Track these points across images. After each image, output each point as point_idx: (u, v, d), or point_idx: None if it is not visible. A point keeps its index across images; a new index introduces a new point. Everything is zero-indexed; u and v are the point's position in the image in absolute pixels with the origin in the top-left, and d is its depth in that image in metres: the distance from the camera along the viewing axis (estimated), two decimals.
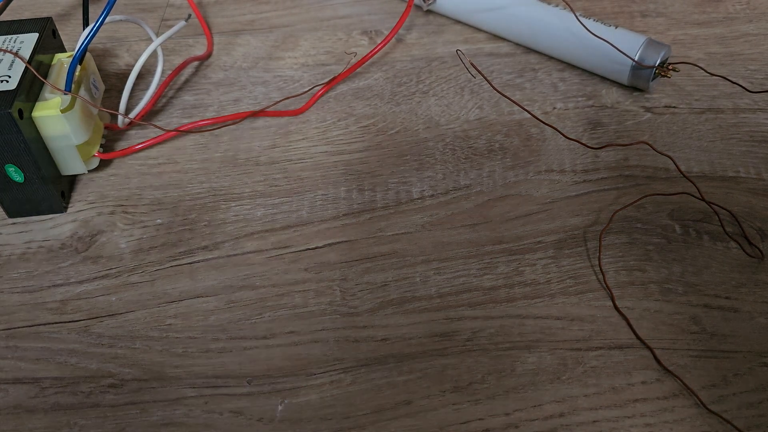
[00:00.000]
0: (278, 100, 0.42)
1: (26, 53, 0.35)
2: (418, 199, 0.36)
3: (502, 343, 0.30)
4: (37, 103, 0.34)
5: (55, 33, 0.38)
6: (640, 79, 0.40)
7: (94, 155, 0.37)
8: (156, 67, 0.41)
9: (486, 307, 0.31)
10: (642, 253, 0.33)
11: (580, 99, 0.42)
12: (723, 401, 0.28)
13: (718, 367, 0.29)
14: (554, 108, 0.41)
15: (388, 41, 0.43)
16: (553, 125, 0.37)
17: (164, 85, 0.43)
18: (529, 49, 0.45)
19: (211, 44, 0.47)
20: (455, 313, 0.31)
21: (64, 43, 0.40)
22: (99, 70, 0.44)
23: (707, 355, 0.29)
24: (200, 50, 0.47)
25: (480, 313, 0.31)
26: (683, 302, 0.31)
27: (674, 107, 0.41)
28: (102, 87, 0.40)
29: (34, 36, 0.36)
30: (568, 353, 0.29)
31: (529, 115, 0.40)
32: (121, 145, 0.40)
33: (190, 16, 0.49)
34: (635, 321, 0.30)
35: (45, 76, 0.35)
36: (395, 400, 0.28)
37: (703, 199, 0.31)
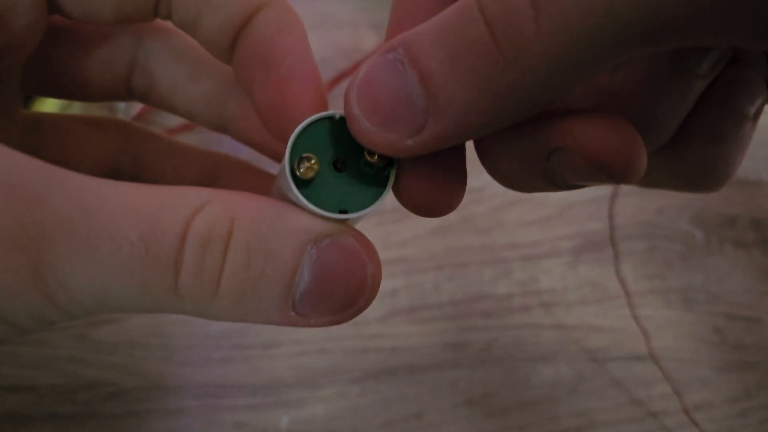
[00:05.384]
0: None
1: None
2: None
3: (517, 354, 0.29)
4: (37, 99, 0.33)
5: None
6: None
7: None
8: None
9: (500, 316, 0.30)
10: (662, 260, 0.32)
11: None
12: (745, 415, 0.27)
13: (740, 379, 0.28)
14: None
15: None
16: None
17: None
18: None
19: None
20: (468, 322, 0.30)
21: None
22: None
23: (729, 367, 0.28)
24: None
25: (494, 322, 0.30)
26: (705, 312, 0.30)
27: None
28: None
29: None
30: (585, 364, 0.28)
31: None
32: None
33: None
34: (655, 330, 0.29)
35: None
36: (405, 412, 0.27)
37: None
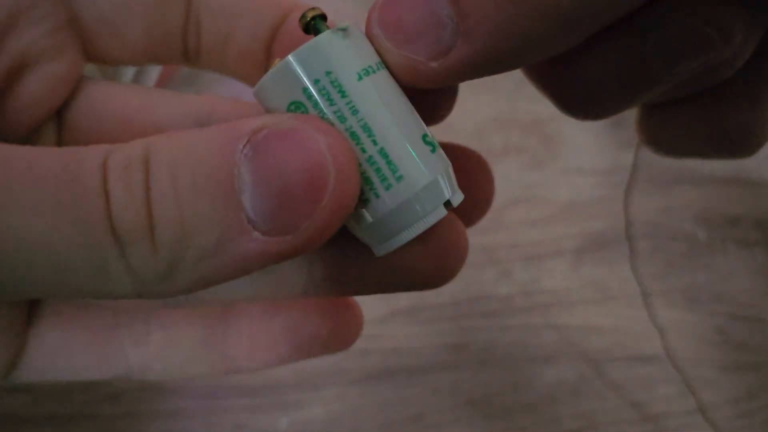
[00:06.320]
0: None
1: None
2: None
3: (518, 355, 0.29)
4: None
5: None
6: None
7: None
8: None
9: (501, 317, 0.30)
10: (665, 259, 0.32)
11: None
12: (748, 416, 0.27)
13: (743, 380, 0.28)
14: None
15: None
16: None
17: (164, 79, 0.41)
18: None
19: None
20: (469, 322, 0.30)
21: None
22: None
23: (732, 368, 0.28)
24: None
25: (495, 322, 0.30)
26: (708, 312, 0.30)
27: None
28: None
29: None
30: (587, 365, 0.28)
31: (546, 114, 0.39)
32: None
33: None
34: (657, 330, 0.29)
35: None
36: (405, 414, 0.27)
37: None
